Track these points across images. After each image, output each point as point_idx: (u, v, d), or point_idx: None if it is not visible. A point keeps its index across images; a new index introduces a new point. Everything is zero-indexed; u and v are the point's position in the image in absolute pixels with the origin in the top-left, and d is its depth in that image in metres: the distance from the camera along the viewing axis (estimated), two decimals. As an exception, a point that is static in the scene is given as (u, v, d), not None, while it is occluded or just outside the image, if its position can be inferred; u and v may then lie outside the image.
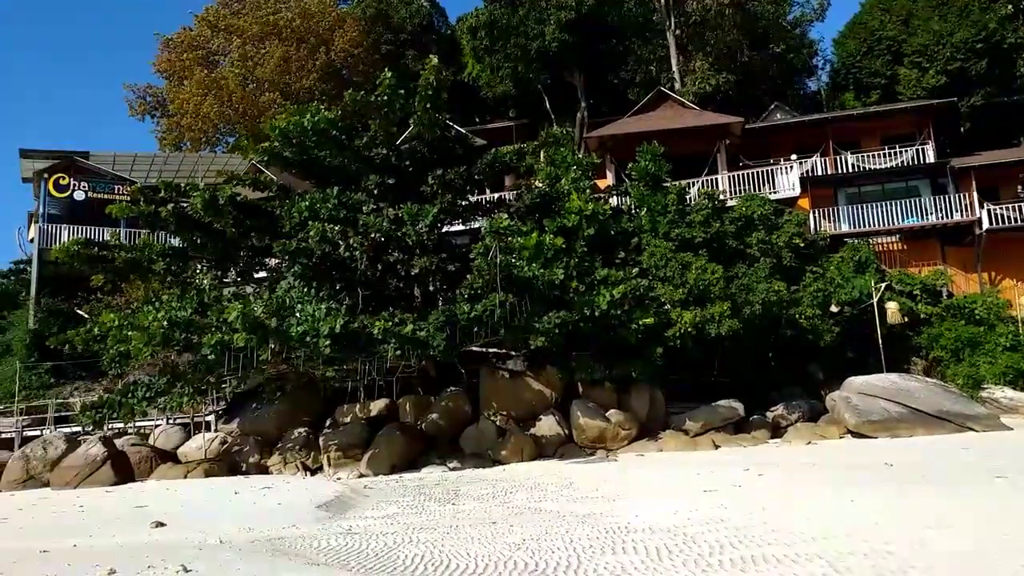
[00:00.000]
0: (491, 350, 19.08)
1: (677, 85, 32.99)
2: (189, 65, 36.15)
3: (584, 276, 18.01)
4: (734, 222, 21.19)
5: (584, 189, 20.75)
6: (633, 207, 22.19)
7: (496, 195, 25.04)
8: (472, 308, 16.00)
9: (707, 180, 25.96)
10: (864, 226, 25.18)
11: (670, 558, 7.13)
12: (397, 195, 19.36)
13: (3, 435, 22.09)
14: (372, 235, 17.86)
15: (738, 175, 26.40)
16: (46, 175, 29.65)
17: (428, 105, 19.00)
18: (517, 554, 7.69)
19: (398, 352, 15.87)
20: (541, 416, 18.66)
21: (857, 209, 25.50)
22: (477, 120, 37.59)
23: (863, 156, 27.70)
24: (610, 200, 23.14)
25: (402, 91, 19.41)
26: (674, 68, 33.68)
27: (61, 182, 29.70)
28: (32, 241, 29.25)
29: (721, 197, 22.39)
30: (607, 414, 18.35)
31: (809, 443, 17.34)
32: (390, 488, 14.82)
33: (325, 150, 19.47)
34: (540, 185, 21.31)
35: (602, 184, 26.03)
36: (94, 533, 10.91)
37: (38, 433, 21.78)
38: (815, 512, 8.83)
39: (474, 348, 18.16)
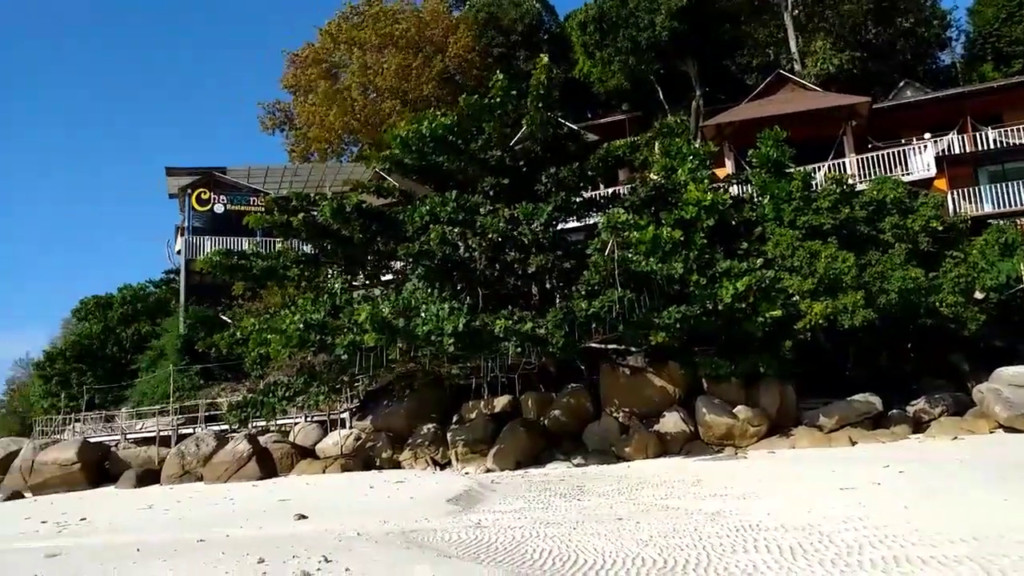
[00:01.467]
0: (611, 346, 19.00)
1: (797, 67, 31.70)
2: (314, 79, 37.85)
3: (705, 269, 17.63)
4: (865, 207, 20.14)
5: (702, 179, 20.27)
6: (755, 195, 21.51)
7: (610, 190, 24.93)
8: (590, 304, 16.01)
9: (833, 164, 24.81)
10: (1010, 206, 23.35)
11: (805, 557, 6.92)
12: (512, 195, 19.62)
13: (161, 433, 24.00)
14: (489, 235, 18.18)
15: (867, 157, 25.09)
16: (189, 191, 31.94)
17: (540, 104, 19.15)
18: (645, 551, 7.67)
19: (519, 349, 16.11)
20: (664, 413, 18.40)
21: (1001, 188, 23.67)
22: (589, 116, 37.46)
23: (1006, 131, 25.67)
24: (730, 189, 22.53)
25: (514, 92, 19.65)
26: (793, 49, 32.37)
27: (203, 196, 31.92)
28: (179, 253, 31.56)
29: (850, 181, 21.35)
30: (734, 410, 17.89)
31: (955, 438, 16.28)
32: (516, 483, 15.05)
33: (443, 155, 19.98)
34: (655, 177, 21.01)
35: (721, 173, 25.36)
36: (243, 524, 11.68)
37: (191, 431, 23.48)
38: (963, 511, 8.33)
39: (593, 345, 18.15)
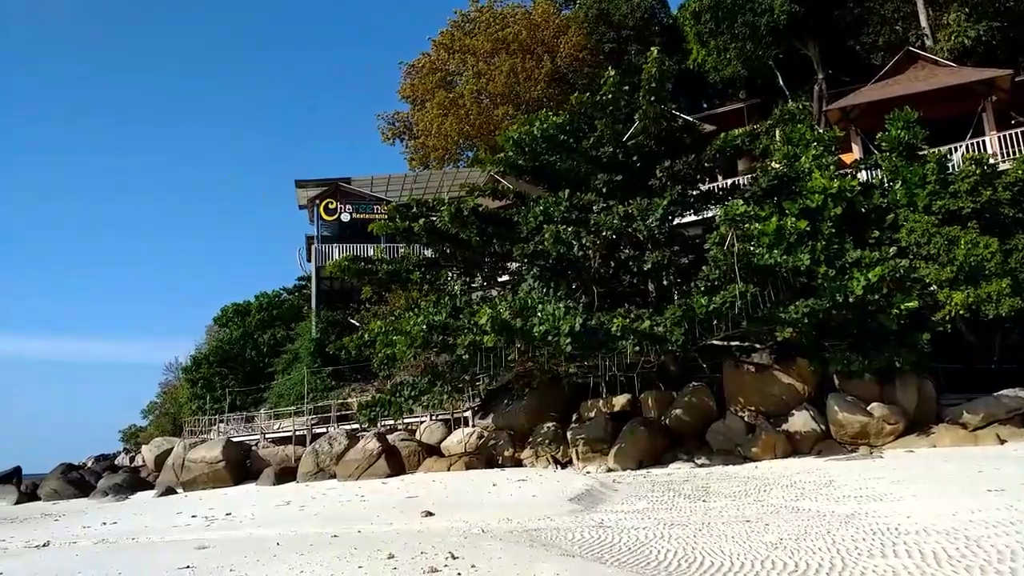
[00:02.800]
0: (734, 343, 18.49)
1: (928, 42, 29.71)
2: (430, 88, 38.82)
3: (834, 260, 16.85)
4: (1009, 188, 18.63)
5: (827, 166, 19.39)
6: (886, 181, 20.35)
7: (729, 181, 24.24)
8: (710, 301, 15.64)
9: (972, 144, 23.13)
10: None
11: (950, 563, 6.52)
12: (626, 191, 19.44)
13: (297, 432, 25.31)
14: (603, 233, 18.08)
15: (1010, 134, 23.15)
16: (317, 201, 33.60)
17: (652, 98, 18.87)
18: (775, 553, 7.45)
19: (636, 348, 15.94)
20: (793, 411, 17.71)
21: None
22: (705, 106, 36.57)
23: None
24: (858, 175, 21.43)
25: (626, 88, 19.46)
26: (923, 24, 30.33)
27: (330, 206, 33.49)
28: (310, 260, 33.24)
29: (991, 161, 19.85)
30: (868, 408, 17.00)
31: (1124, 437, 14.86)
32: (638, 483, 14.93)
33: (555, 155, 20.06)
34: (777, 166, 20.27)
35: (848, 159, 24.15)
36: (374, 521, 12.17)
37: (324, 430, 24.63)
38: None
39: (715, 342, 17.73)
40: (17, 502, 28.07)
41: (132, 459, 34.45)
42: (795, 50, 32.54)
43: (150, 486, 26.59)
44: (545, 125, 19.17)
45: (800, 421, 17.43)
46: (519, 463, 19.70)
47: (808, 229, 16.63)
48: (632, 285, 19.36)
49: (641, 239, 18.06)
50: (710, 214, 20.69)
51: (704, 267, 16.70)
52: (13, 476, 33.73)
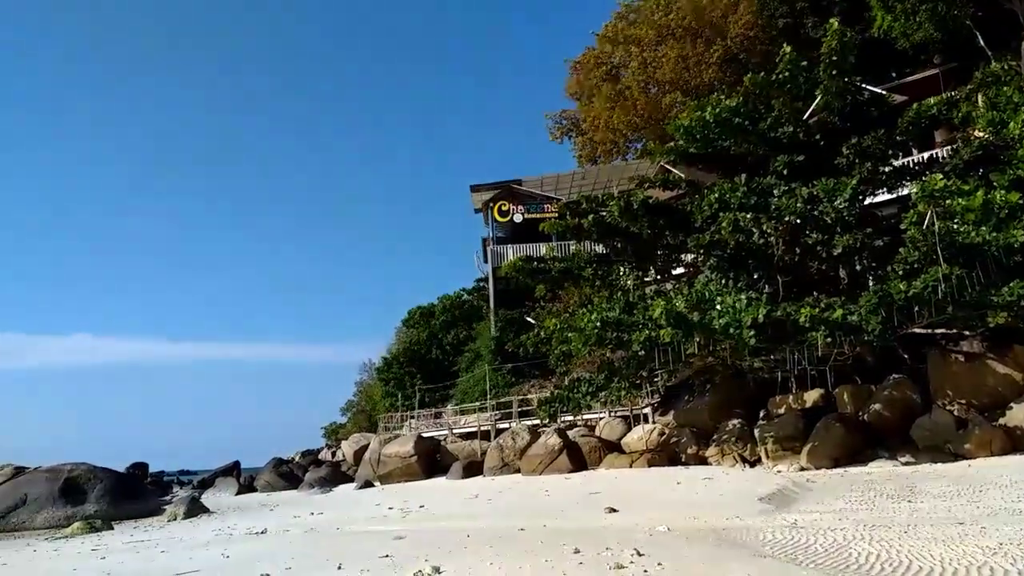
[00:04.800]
0: (938, 331, 16.95)
1: None
2: (596, 83, 38.75)
3: (1054, 234, 15.02)
4: None
5: (1043, 130, 17.31)
6: (1118, 142, 17.86)
7: (926, 154, 22.30)
8: (909, 285, 14.43)
9: None
10: None
11: None
12: (809, 172, 18.36)
13: (482, 428, 26.17)
14: (786, 218, 17.18)
15: None
16: (491, 204, 34.70)
17: (834, 72, 17.78)
18: (994, 559, 6.76)
19: (828, 339, 15.01)
20: (1011, 404, 15.92)
21: None
22: (894, 75, 33.75)
23: None
24: (1082, 138, 18.94)
25: (804, 64, 18.44)
26: None
27: (503, 208, 34.50)
28: (486, 261, 34.35)
29: None
30: (1106, 398, 15.00)
31: None
32: (834, 482, 14.09)
33: (729, 139, 19.35)
34: (981, 135, 18.36)
35: (1069, 120, 21.41)
36: (558, 516, 12.34)
37: (507, 425, 25.31)
38: None
39: (917, 330, 16.35)
40: (237, 493, 31.18)
41: (334, 454, 37.18)
42: (997, 5, 29.26)
43: (350, 479, 28.55)
44: (718, 109, 18.56)
45: (1021, 415, 15.66)
46: (703, 461, 19.18)
47: (1021, 202, 14.93)
48: (820, 272, 18.28)
49: (829, 222, 16.98)
50: (906, 191, 19.13)
51: (901, 249, 15.46)
52: (233, 470, 37.62)
